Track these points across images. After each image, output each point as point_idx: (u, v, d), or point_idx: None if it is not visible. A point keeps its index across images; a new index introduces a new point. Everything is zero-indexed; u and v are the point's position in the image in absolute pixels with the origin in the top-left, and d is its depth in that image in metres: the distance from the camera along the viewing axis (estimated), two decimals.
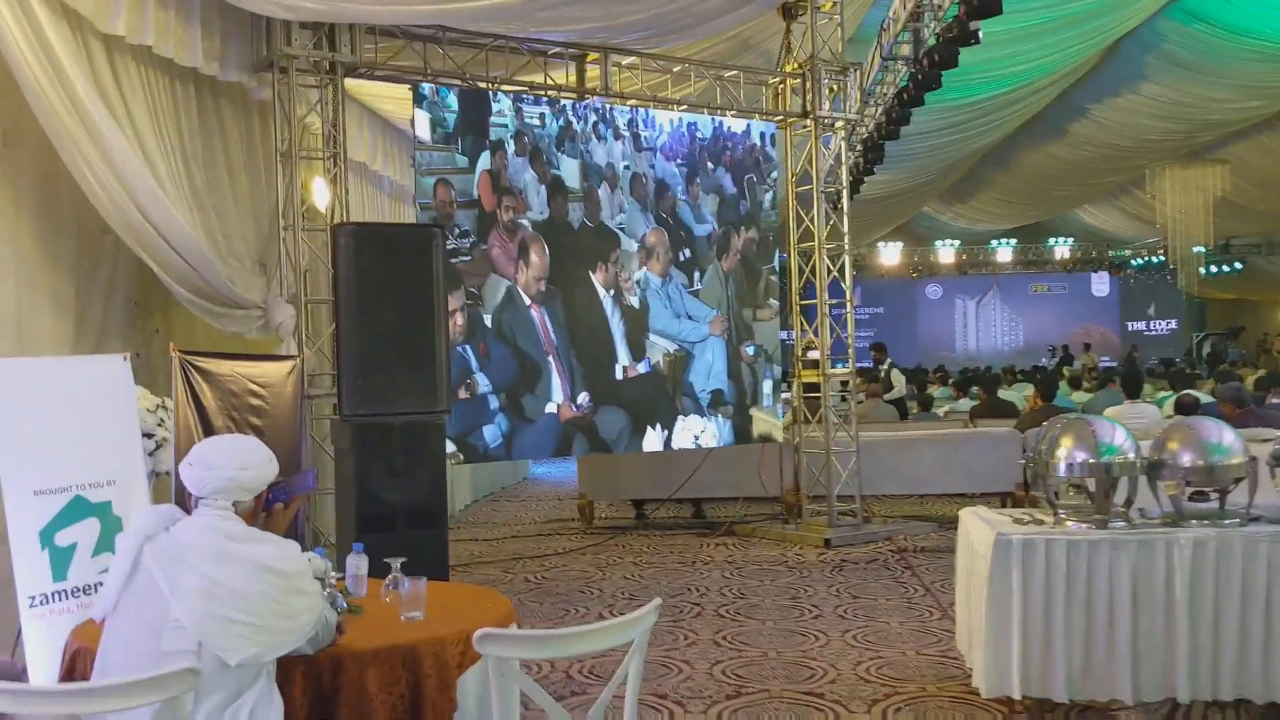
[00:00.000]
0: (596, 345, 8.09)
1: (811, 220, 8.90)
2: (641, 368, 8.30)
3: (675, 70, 8.50)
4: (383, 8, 6.37)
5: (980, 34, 8.60)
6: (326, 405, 6.83)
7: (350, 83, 8.89)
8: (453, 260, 7.27)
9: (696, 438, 8.53)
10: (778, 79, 9.03)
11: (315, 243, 7.13)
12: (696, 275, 8.61)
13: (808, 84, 8.80)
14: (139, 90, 6.35)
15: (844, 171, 9.14)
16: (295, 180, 6.94)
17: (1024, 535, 4.34)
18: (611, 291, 8.17)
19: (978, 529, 4.69)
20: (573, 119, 8.04)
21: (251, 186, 7.42)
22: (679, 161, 8.57)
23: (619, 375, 8.20)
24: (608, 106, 8.18)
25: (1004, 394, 13.22)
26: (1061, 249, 31.49)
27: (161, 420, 5.08)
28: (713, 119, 8.71)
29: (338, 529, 6.50)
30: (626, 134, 8.31)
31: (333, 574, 3.21)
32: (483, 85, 7.61)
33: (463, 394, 7.35)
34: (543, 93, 7.94)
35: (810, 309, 9.08)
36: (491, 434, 7.55)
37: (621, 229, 8.26)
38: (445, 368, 6.23)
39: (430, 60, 7.45)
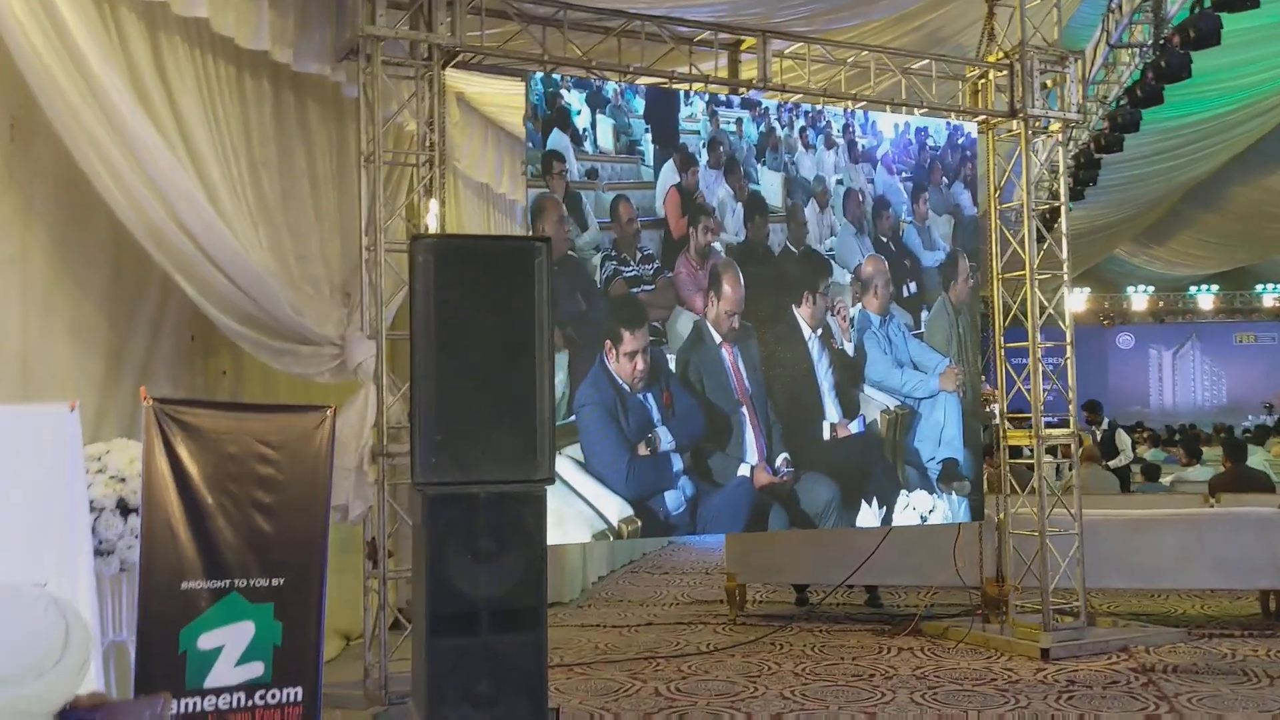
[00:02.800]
0: (799, 396, 6.53)
1: (1020, 244, 7.16)
2: (854, 427, 6.67)
3: (850, 60, 6.95)
4: None
5: None
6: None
7: (469, 89, 7.67)
8: (633, 290, 6.07)
9: (924, 517, 6.80)
10: (977, 72, 7.36)
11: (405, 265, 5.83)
12: (924, 314, 6.94)
13: (1016, 77, 7.09)
14: (189, 77, 5.17)
15: (1062, 181, 7.37)
16: (379, 189, 5.67)
17: None
18: (819, 331, 6.61)
19: None
20: (776, 124, 6.56)
21: (340, 201, 6.22)
22: (904, 175, 6.94)
23: (826, 435, 6.59)
24: (818, 109, 6.70)
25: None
26: (1270, 297, 28.48)
27: None
28: (947, 123, 7.07)
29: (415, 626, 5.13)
30: (840, 141, 6.74)
31: None
32: (611, 76, 6.23)
33: (643, 450, 6.02)
34: (686, 86, 6.51)
35: (1014, 354, 7.31)
36: (674, 500, 6.11)
37: (832, 256, 6.71)
38: (549, 422, 4.76)
39: (550, 48, 6.13)
